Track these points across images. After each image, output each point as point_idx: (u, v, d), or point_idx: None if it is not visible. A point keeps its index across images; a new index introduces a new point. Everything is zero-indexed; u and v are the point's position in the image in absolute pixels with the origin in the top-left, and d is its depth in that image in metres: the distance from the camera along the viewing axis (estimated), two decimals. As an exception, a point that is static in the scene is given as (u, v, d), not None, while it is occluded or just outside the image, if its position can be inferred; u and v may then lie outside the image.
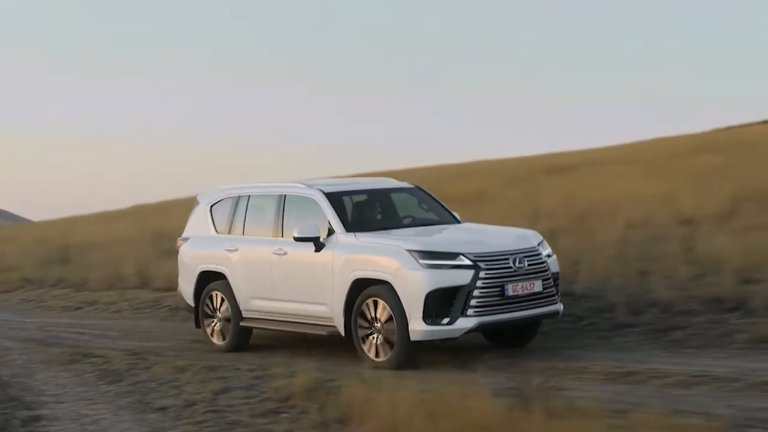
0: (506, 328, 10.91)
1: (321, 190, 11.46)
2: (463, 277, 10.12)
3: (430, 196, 12.30)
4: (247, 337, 12.45)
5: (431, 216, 11.96)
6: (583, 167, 27.38)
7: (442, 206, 12.18)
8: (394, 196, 12.16)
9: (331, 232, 11.03)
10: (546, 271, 10.63)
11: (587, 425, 6.55)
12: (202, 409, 8.92)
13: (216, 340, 12.52)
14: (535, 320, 10.85)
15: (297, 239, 11.10)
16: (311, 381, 9.17)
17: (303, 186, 11.74)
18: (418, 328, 10.12)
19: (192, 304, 12.84)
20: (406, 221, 11.78)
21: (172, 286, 18.79)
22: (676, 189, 18.51)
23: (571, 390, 8.26)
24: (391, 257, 10.37)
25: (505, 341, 11.19)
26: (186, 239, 13.18)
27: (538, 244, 10.84)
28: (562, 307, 10.89)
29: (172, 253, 23.04)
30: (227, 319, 12.37)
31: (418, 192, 12.31)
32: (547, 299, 10.62)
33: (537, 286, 10.48)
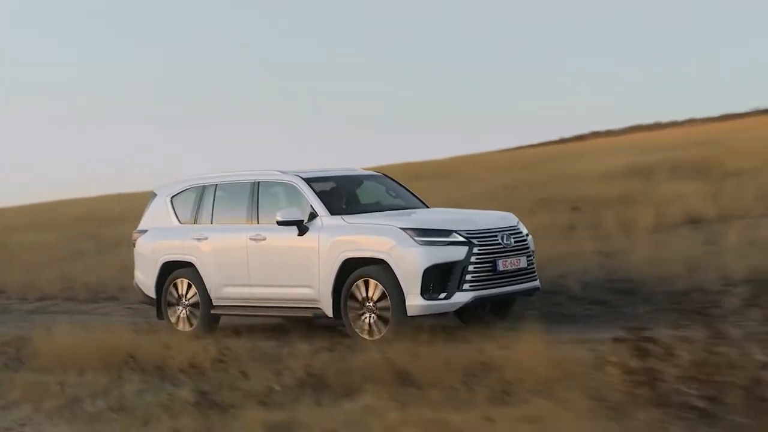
0: (480, 307, 11.01)
1: (299, 176, 11.46)
2: (458, 253, 10.30)
3: (398, 183, 12.48)
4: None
5: (399, 202, 12.04)
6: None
7: (411, 193, 12.37)
8: (362, 183, 12.26)
9: (312, 216, 11.04)
10: (528, 248, 10.95)
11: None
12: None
13: (182, 328, 12.18)
14: (518, 296, 11.12)
15: (280, 223, 11.03)
16: (12, 337, 12.29)
17: (279, 173, 11.65)
18: (416, 303, 10.22)
19: (153, 295, 12.51)
20: (375, 207, 11.76)
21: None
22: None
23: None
24: (385, 236, 10.42)
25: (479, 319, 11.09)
26: (143, 231, 12.84)
27: (517, 224, 11.13)
28: (539, 283, 11.17)
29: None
30: (194, 306, 12.13)
31: (385, 180, 12.46)
32: (530, 275, 10.93)
33: (522, 262, 10.78)
